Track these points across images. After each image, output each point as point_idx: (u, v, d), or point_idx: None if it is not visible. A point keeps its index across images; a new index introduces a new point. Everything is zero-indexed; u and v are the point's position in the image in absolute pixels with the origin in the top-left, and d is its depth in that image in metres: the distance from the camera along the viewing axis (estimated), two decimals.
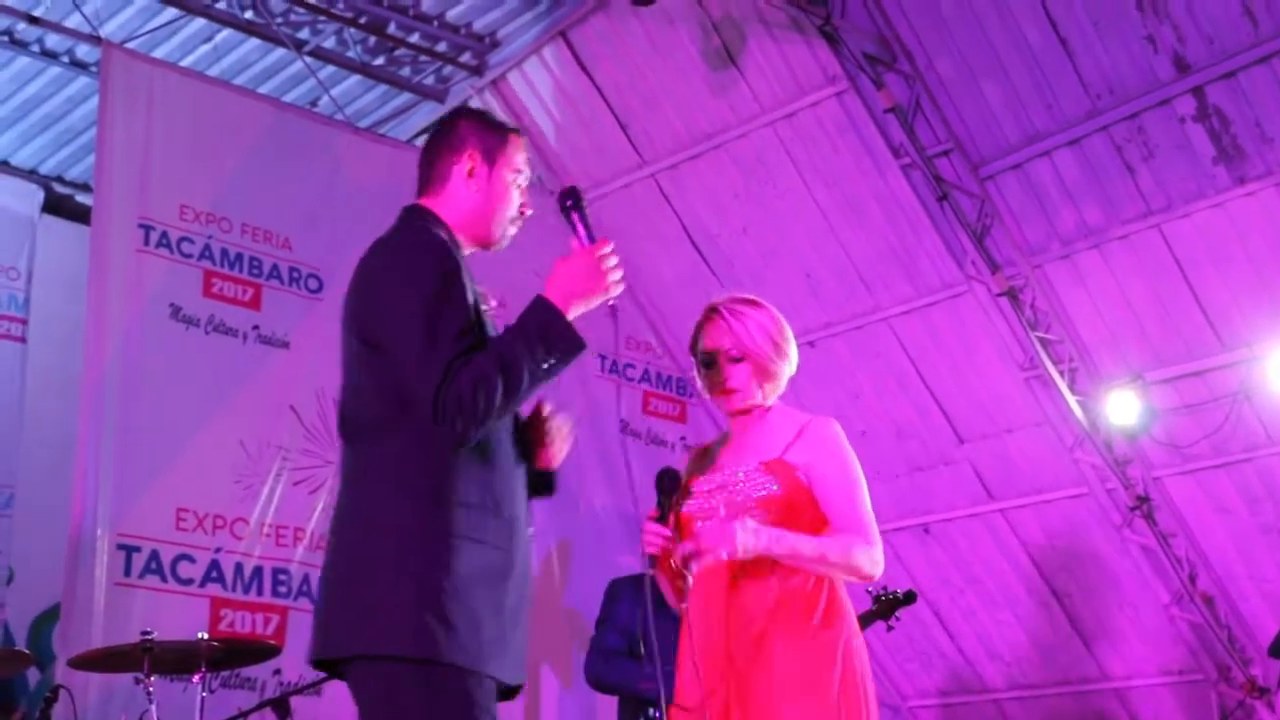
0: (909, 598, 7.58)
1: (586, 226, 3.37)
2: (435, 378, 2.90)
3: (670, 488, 3.77)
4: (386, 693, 2.88)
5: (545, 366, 3.03)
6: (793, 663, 3.61)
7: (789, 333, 3.99)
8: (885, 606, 7.48)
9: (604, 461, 8.75)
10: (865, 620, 7.52)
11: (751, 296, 4.00)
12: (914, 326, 9.22)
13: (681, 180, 9.43)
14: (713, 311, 3.94)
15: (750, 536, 3.59)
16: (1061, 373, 8.73)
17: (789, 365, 3.98)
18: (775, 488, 3.73)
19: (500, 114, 9.41)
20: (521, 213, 3.33)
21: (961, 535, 9.71)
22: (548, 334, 3.06)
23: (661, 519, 3.74)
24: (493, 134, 3.28)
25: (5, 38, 8.56)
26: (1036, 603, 9.64)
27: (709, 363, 3.92)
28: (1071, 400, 8.74)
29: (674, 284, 9.78)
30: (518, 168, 3.29)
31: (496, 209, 3.27)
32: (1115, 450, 8.88)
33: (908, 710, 10.57)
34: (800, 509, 3.74)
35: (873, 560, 3.72)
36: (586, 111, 9.40)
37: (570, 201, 3.39)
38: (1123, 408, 8.63)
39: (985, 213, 8.59)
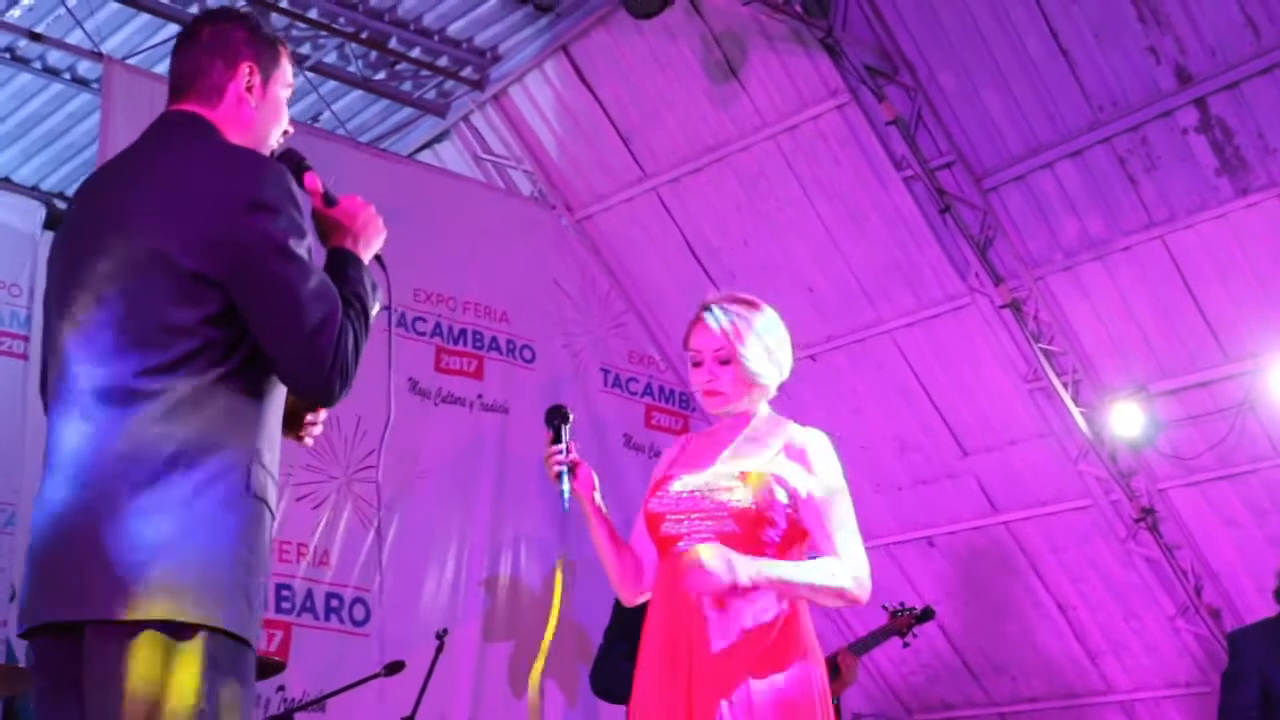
0: (926, 614, 7.54)
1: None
2: (329, 340, 2.73)
3: (560, 418, 3.87)
4: (180, 663, 2.60)
5: (373, 320, 2.92)
6: (750, 653, 3.62)
7: (784, 336, 3.89)
8: (901, 623, 7.44)
9: (607, 476, 8.67)
10: (880, 636, 7.48)
11: (748, 296, 3.93)
12: (917, 339, 9.21)
13: (683, 193, 9.43)
14: (705, 309, 3.89)
15: (739, 572, 3.58)
16: (1065, 384, 8.72)
17: (781, 371, 3.90)
18: (750, 502, 3.68)
19: (503, 129, 9.55)
20: (285, 132, 3.10)
21: (965, 548, 9.69)
22: (376, 289, 2.95)
23: (556, 441, 3.85)
24: (266, 45, 3.02)
25: (7, 54, 8.57)
26: (1041, 615, 9.62)
27: (696, 363, 3.88)
28: (1075, 412, 8.73)
29: (676, 297, 9.77)
30: (289, 82, 3.09)
31: (271, 128, 3.02)
32: (1119, 462, 8.86)
33: None
34: (772, 524, 3.70)
35: (859, 584, 3.72)
36: (588, 125, 9.40)
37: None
38: (1127, 419, 8.61)
39: (988, 224, 8.58)
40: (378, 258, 3.06)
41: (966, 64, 8.22)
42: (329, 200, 3.03)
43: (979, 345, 9.01)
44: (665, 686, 3.65)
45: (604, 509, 3.92)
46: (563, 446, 3.85)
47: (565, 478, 3.83)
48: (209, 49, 2.97)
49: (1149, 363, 8.59)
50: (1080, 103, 8.06)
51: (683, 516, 3.75)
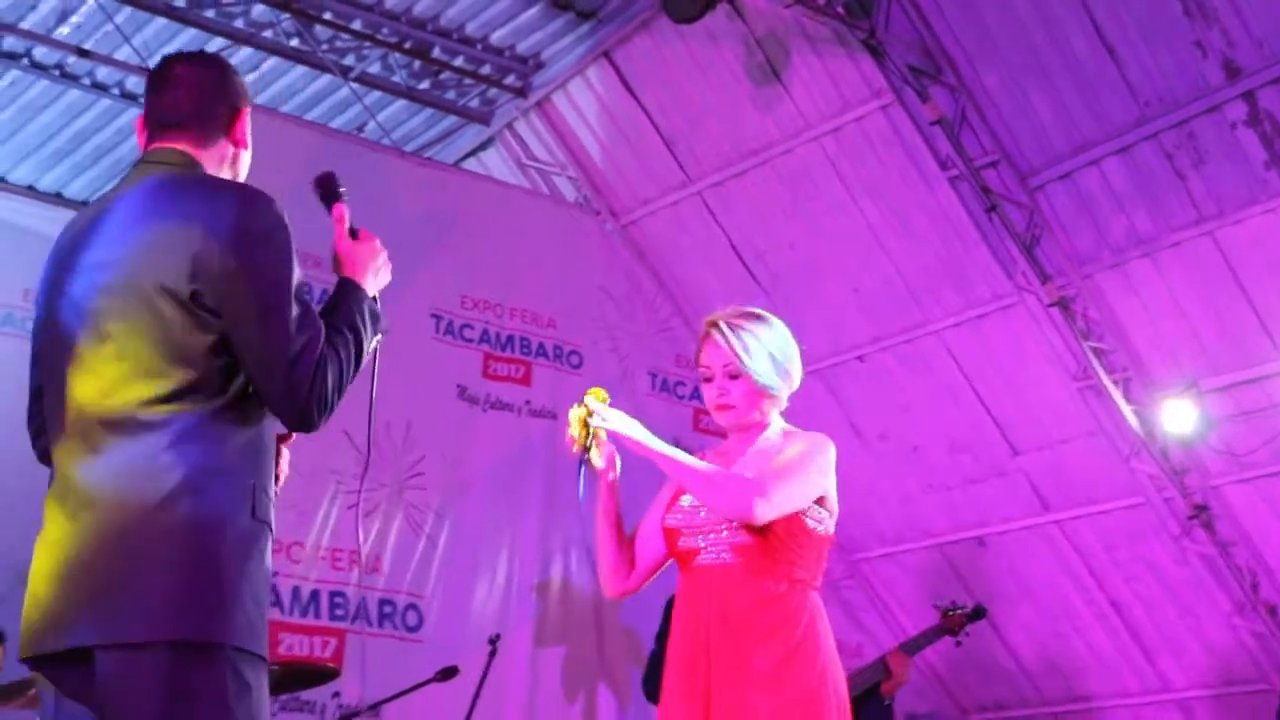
0: (978, 613, 7.48)
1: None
2: (307, 368, 2.80)
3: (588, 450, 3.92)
4: (203, 680, 2.68)
5: (369, 350, 3.01)
6: (767, 663, 3.66)
7: (793, 349, 3.94)
8: (954, 622, 7.37)
9: (657, 479, 8.73)
10: (932, 635, 7.42)
11: (756, 310, 3.99)
12: (965, 339, 9.18)
13: (728, 197, 9.43)
14: (712, 326, 3.95)
15: (627, 427, 3.83)
16: (1115, 382, 8.67)
17: (790, 382, 3.94)
18: (747, 533, 3.75)
19: (547, 136, 9.58)
20: None
21: (1017, 547, 9.65)
22: (378, 321, 3.04)
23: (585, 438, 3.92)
24: (246, 90, 3.15)
25: (56, 71, 8.66)
26: (1095, 614, 9.57)
27: (707, 379, 3.94)
28: (1126, 410, 8.68)
29: (722, 301, 9.64)
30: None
31: (247, 166, 3.14)
32: (1172, 459, 8.80)
33: None
34: (776, 547, 3.75)
35: (746, 498, 3.66)
36: (631, 131, 9.41)
37: (325, 190, 3.23)
38: (1178, 416, 8.55)
39: (1034, 223, 8.54)
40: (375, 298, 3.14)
41: (1011, 62, 8.19)
42: (353, 233, 3.12)
43: (1027, 344, 8.97)
44: (685, 694, 3.75)
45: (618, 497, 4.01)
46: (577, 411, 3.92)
47: (591, 451, 3.92)
48: (212, 93, 3.07)
49: (1200, 359, 8.53)
50: (1127, 99, 8.01)
51: (699, 531, 3.84)
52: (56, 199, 9.61)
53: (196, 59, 3.14)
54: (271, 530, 2.88)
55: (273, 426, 2.93)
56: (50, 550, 2.80)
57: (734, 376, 3.89)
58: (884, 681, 6.87)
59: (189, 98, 3.06)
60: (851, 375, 9.51)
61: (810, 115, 8.84)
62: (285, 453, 3.13)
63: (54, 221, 9.19)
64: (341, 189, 3.16)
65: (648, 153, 9.47)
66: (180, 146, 3.02)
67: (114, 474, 2.75)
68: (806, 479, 3.75)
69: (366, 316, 3.00)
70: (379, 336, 3.04)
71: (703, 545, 3.83)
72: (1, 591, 8.01)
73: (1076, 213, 8.49)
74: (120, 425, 2.78)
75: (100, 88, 8.88)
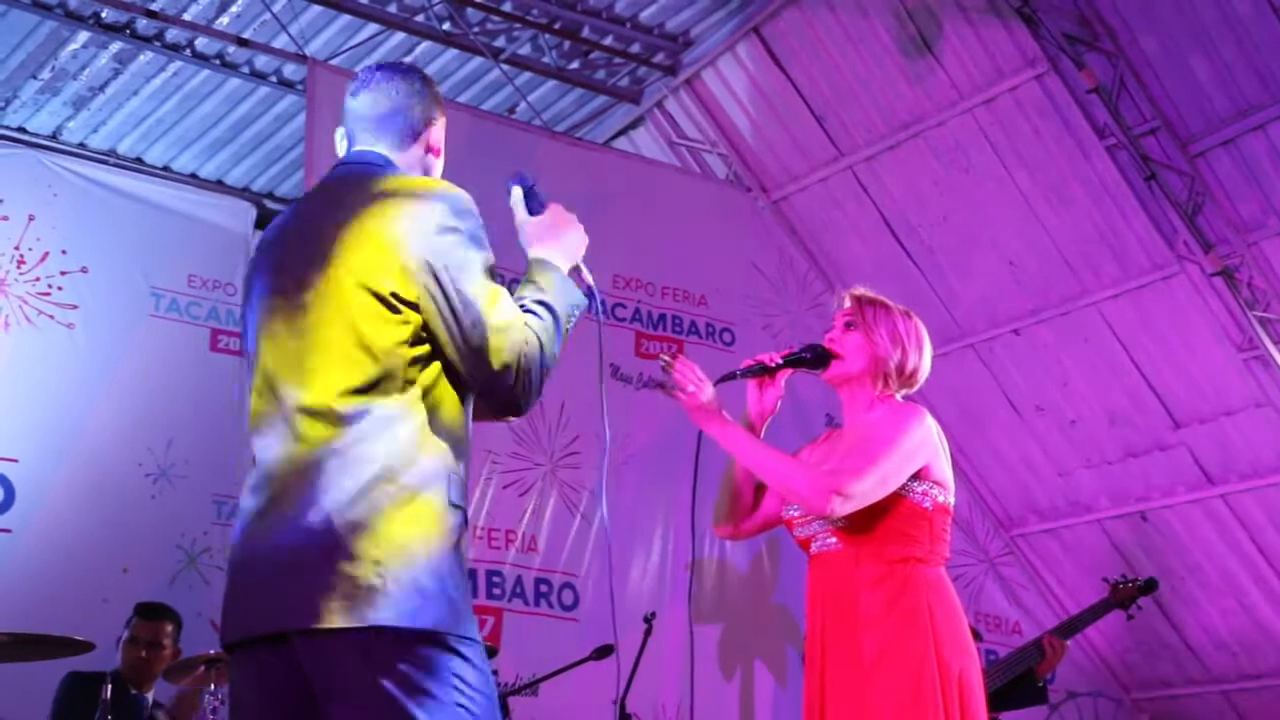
0: (1149, 586, 7.35)
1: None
2: (513, 358, 2.87)
3: (815, 357, 3.91)
4: (425, 667, 2.73)
5: (568, 323, 3.05)
6: (874, 646, 3.66)
7: (920, 341, 3.91)
8: (1124, 595, 7.28)
9: (800, 435, 8.69)
10: (1100, 610, 7.32)
11: (902, 307, 3.98)
12: (1124, 310, 9.01)
13: (879, 171, 9.35)
14: (849, 293, 4.00)
15: (706, 418, 3.84)
16: None
17: (905, 365, 3.88)
18: (846, 518, 3.72)
19: (696, 113, 9.58)
20: None
21: (1181, 522, 9.46)
22: (571, 294, 3.07)
23: (788, 361, 3.95)
24: (440, 99, 3.24)
25: (217, 61, 8.85)
26: (1263, 591, 9.36)
27: (827, 332, 3.94)
28: None
29: (876, 276, 9.68)
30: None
31: (439, 171, 3.23)
32: None
33: (1131, 702, 10.33)
34: (880, 529, 3.72)
35: (821, 495, 3.63)
36: (782, 106, 9.37)
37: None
38: None
39: (1196, 191, 8.34)
40: (579, 266, 3.18)
41: (1169, 26, 8.00)
42: (535, 205, 3.20)
43: (1189, 315, 8.78)
44: (808, 680, 3.80)
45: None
46: (777, 359, 3.96)
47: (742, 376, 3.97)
48: (406, 100, 3.16)
49: None
50: None
51: (807, 520, 3.85)
52: (218, 186, 9.81)
53: (394, 68, 3.24)
54: (467, 515, 2.92)
55: (469, 414, 2.98)
56: (253, 538, 2.87)
57: (849, 326, 3.89)
58: (1039, 664, 6.80)
59: (383, 104, 3.15)
60: (1007, 348, 9.39)
61: (963, 86, 8.73)
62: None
63: (216, 208, 9.43)
64: (515, 180, 3.25)
65: (798, 128, 9.42)
66: (377, 150, 3.13)
67: (313, 464, 2.82)
68: (890, 461, 3.67)
69: (558, 290, 3.04)
70: (578, 313, 3.08)
71: (811, 534, 3.83)
72: (172, 573, 8.29)
73: (1240, 179, 8.28)
74: (319, 416, 2.85)
75: (259, 76, 9.05)
